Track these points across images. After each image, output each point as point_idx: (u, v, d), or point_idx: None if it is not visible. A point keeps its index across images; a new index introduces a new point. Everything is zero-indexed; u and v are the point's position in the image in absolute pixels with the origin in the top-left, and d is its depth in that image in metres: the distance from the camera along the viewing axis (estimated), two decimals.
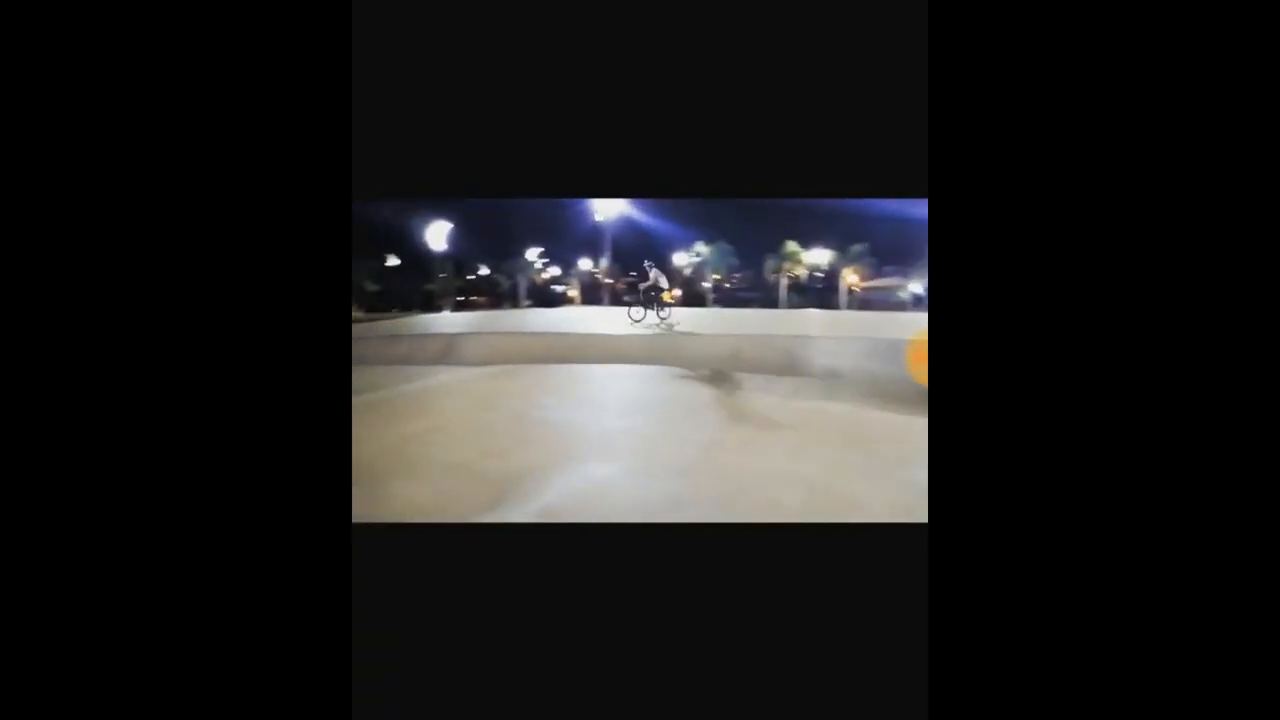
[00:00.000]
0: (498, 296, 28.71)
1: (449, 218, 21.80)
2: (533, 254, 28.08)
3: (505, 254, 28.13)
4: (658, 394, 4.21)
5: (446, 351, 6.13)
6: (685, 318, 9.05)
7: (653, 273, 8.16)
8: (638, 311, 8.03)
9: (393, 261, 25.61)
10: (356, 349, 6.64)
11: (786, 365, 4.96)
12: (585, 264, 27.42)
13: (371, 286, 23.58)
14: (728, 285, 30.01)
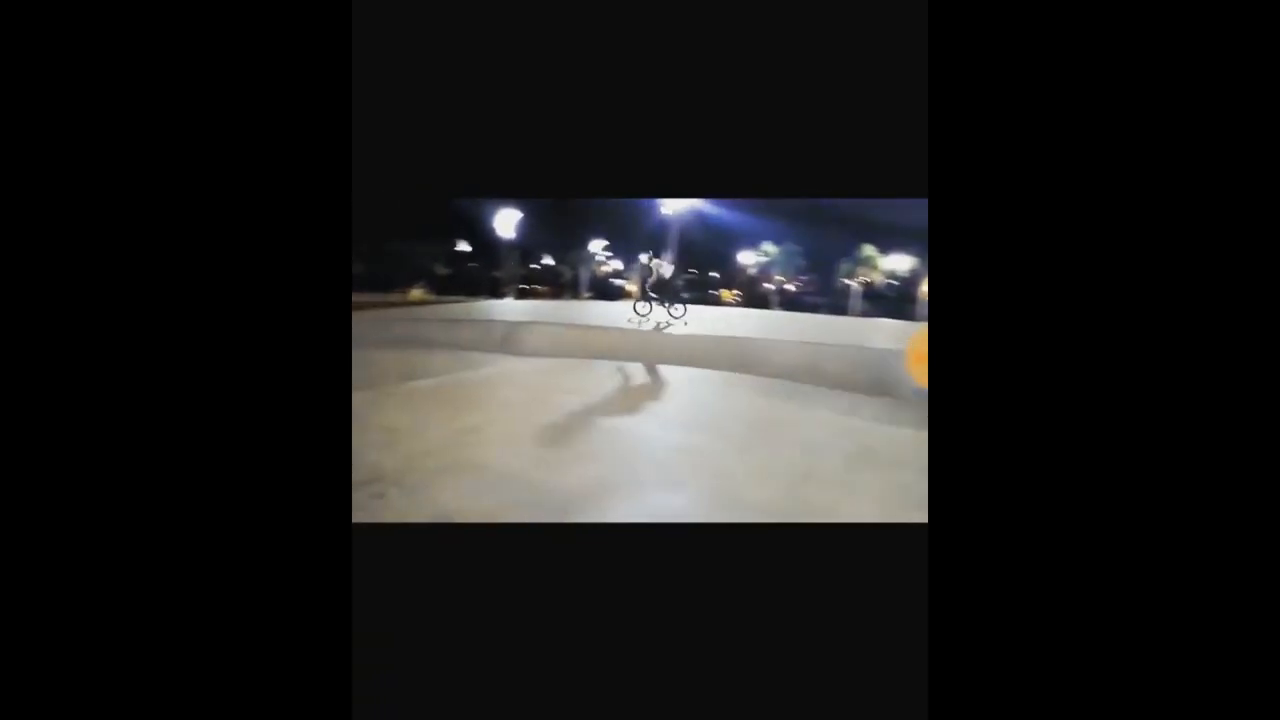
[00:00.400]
0: (559, 287, 29.20)
1: (517, 206, 22.19)
2: (596, 246, 28.22)
3: (569, 245, 28.47)
4: (731, 407, 3.82)
5: (508, 340, 6.05)
6: (749, 320, 8.48)
7: (653, 263, 7.41)
8: (644, 306, 7.33)
9: (463, 247, 26.57)
10: (423, 330, 6.76)
11: (875, 383, 4.41)
12: (647, 259, 27.23)
13: (442, 270, 24.57)
14: (794, 288, 28.88)
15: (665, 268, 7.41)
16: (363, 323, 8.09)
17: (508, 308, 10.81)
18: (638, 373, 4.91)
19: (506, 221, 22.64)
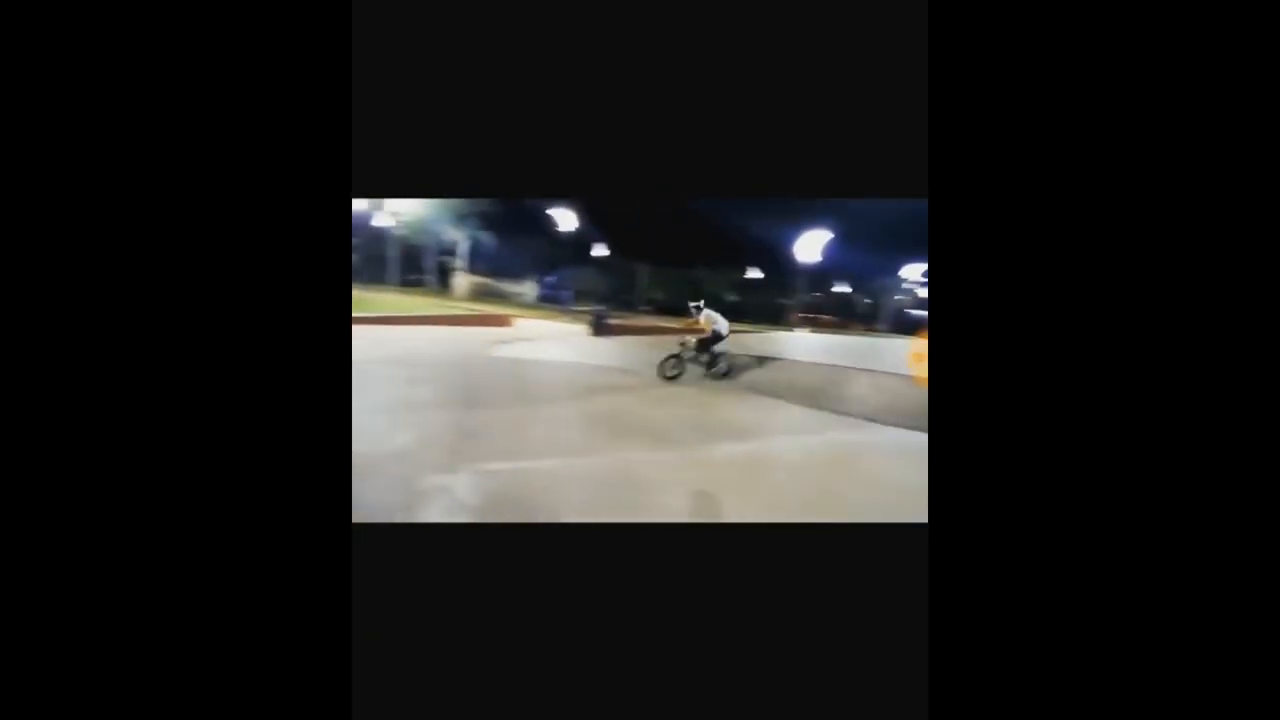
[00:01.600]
0: (848, 317, 26.70)
1: (830, 227, 20.92)
2: (910, 272, 24.61)
3: (879, 270, 25.71)
4: None
5: (826, 391, 5.05)
6: None
7: (703, 316, 5.21)
8: (672, 366, 5.13)
9: (754, 274, 26.92)
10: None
11: None
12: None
13: (731, 297, 25.42)
14: None
15: (722, 322, 5.61)
16: (654, 348, 8.20)
17: (806, 343, 9.88)
18: None
19: (811, 244, 21.63)
